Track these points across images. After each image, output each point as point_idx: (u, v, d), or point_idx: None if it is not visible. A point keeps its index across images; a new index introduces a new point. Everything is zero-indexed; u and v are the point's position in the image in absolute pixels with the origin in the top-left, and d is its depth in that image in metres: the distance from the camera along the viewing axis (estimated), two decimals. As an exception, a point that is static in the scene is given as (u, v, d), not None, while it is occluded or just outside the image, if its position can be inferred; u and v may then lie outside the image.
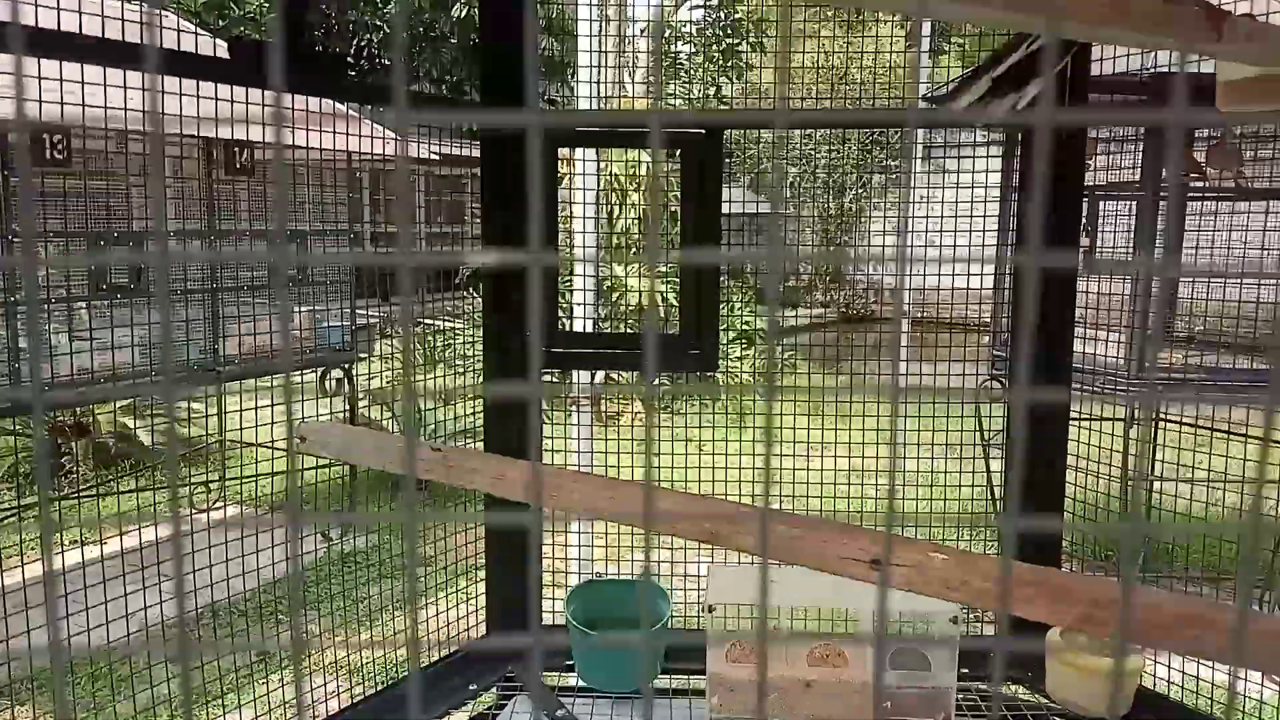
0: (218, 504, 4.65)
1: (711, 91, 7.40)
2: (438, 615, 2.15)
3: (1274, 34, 1.02)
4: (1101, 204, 3.80)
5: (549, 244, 1.91)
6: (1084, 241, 3.99)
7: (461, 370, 3.20)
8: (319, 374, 4.34)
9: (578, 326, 3.07)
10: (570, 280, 3.80)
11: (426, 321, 7.07)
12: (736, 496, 3.38)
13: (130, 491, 4.30)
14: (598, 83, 4.29)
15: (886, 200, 9.76)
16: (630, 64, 8.17)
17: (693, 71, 7.59)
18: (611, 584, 2.01)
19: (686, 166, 1.67)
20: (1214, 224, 3.72)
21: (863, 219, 10.08)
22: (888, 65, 7.31)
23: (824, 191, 9.70)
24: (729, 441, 3.47)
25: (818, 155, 8.30)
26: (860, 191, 9.89)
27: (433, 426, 4.74)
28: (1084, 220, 3.99)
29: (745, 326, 7.58)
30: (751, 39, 7.38)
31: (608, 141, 2.00)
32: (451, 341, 6.27)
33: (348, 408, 4.73)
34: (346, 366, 4.85)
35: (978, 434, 3.75)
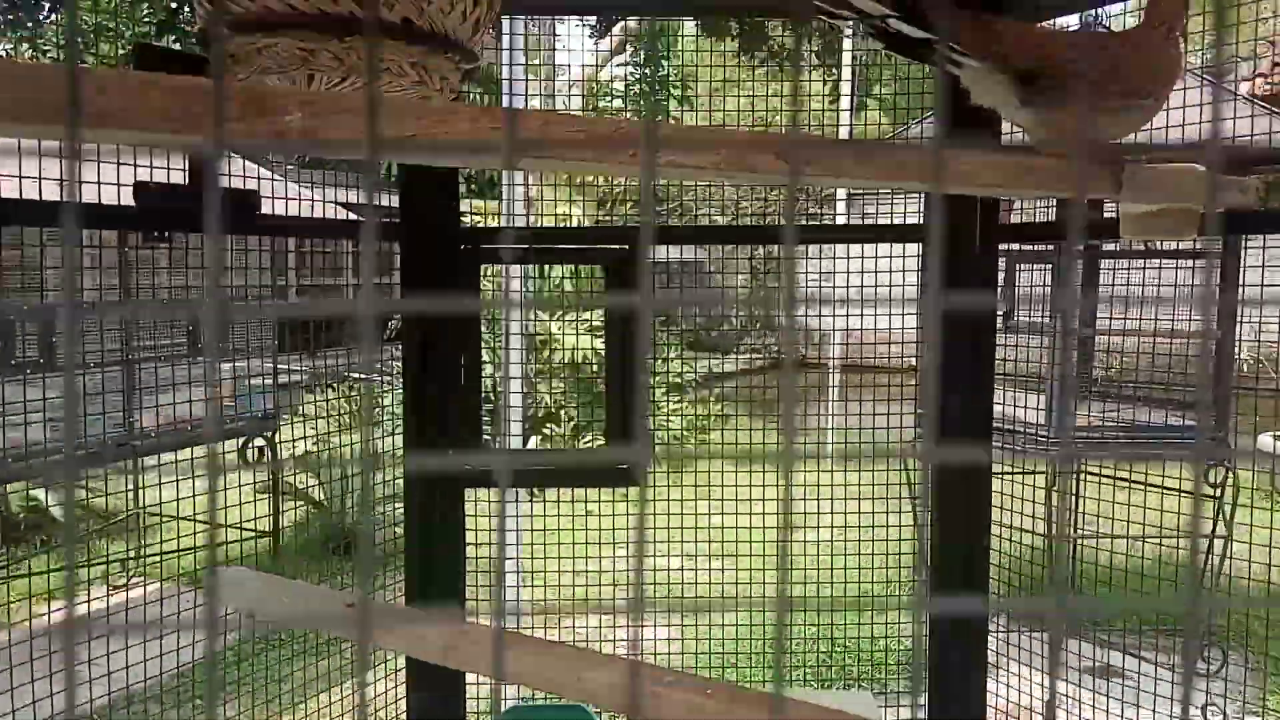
0: (135, 579, 4.48)
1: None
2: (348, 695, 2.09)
3: (1168, 177, 1.06)
4: (1018, 267, 3.92)
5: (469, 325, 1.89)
6: (1001, 304, 4.10)
7: (388, 431, 3.14)
8: (240, 444, 4.23)
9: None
10: (498, 344, 3.77)
11: (354, 377, 6.95)
12: (679, 558, 3.38)
13: (41, 572, 4.11)
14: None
15: (811, 248, 9.90)
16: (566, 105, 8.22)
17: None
18: (539, 709, 1.97)
19: (610, 282, 1.68)
20: (1126, 281, 3.86)
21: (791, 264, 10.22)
22: (809, 115, 7.44)
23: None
24: (667, 487, 3.48)
25: (746, 202, 8.39)
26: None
27: (355, 493, 4.65)
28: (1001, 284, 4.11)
29: (676, 377, 7.59)
30: (677, 94, 7.50)
31: (525, 259, 1.99)
32: (379, 400, 6.16)
33: (270, 480, 4.60)
34: (269, 435, 4.72)
35: (904, 487, 3.81)
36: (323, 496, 5.72)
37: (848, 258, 3.20)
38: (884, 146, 0.78)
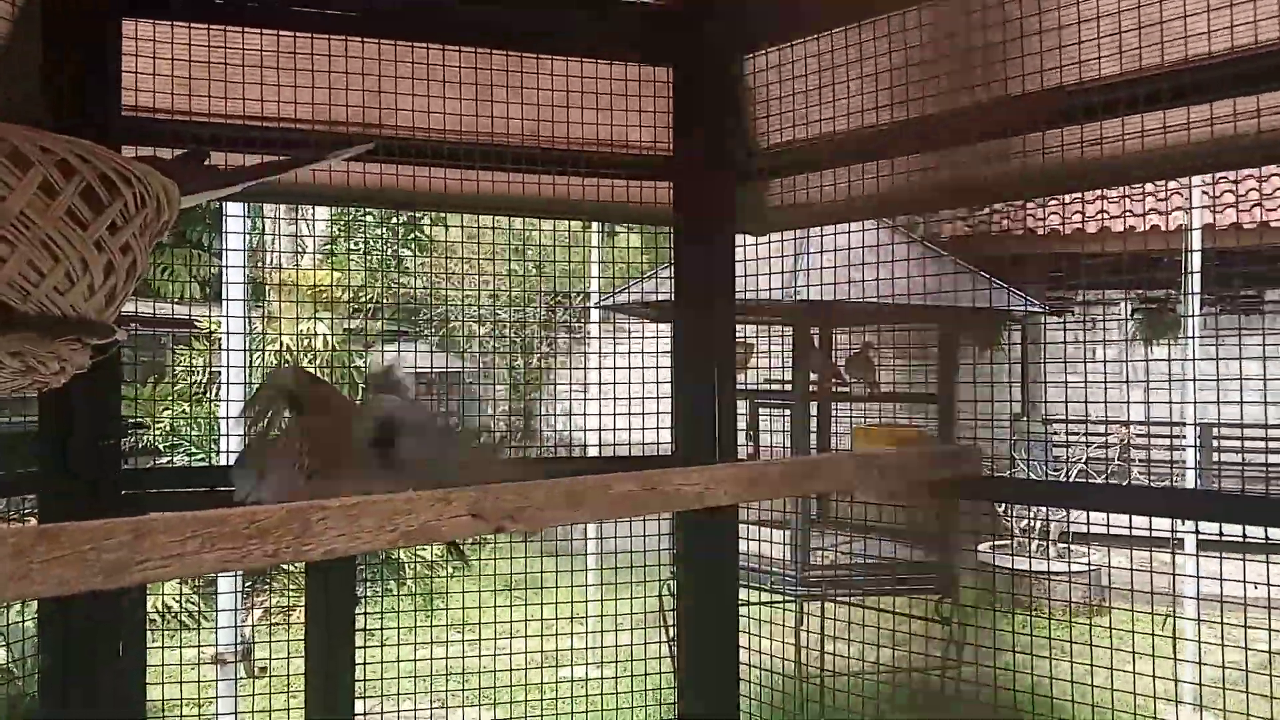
0: None
1: (393, 263, 7.25)
2: None
3: (895, 470, 1.05)
4: (760, 408, 4.04)
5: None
6: (748, 446, 4.21)
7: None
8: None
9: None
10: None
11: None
12: (427, 705, 3.10)
13: None
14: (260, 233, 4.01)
15: (571, 359, 9.97)
16: (309, 227, 7.86)
17: (372, 243, 7.45)
18: None
19: (313, 580, 1.48)
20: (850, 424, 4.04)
21: (551, 375, 10.23)
22: (568, 232, 7.45)
23: (511, 350, 9.74)
24: (416, 626, 3.21)
25: (505, 316, 8.31)
26: (546, 351, 10.03)
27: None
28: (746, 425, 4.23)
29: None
30: (435, 213, 7.39)
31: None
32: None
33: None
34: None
35: (661, 618, 3.75)
36: (7, 660, 4.92)
37: (599, 369, 3.23)
38: (597, 487, 0.69)
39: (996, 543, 6.99)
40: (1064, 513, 6.37)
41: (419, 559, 6.87)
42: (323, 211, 7.41)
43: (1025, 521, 6.97)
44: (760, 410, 4.03)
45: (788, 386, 4.02)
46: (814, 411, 4.17)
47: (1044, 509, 6.75)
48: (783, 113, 2.22)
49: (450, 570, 7.05)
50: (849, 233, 3.14)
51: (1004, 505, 7.00)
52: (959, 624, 3.75)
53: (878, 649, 3.56)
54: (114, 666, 1.61)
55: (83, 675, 1.66)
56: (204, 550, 0.54)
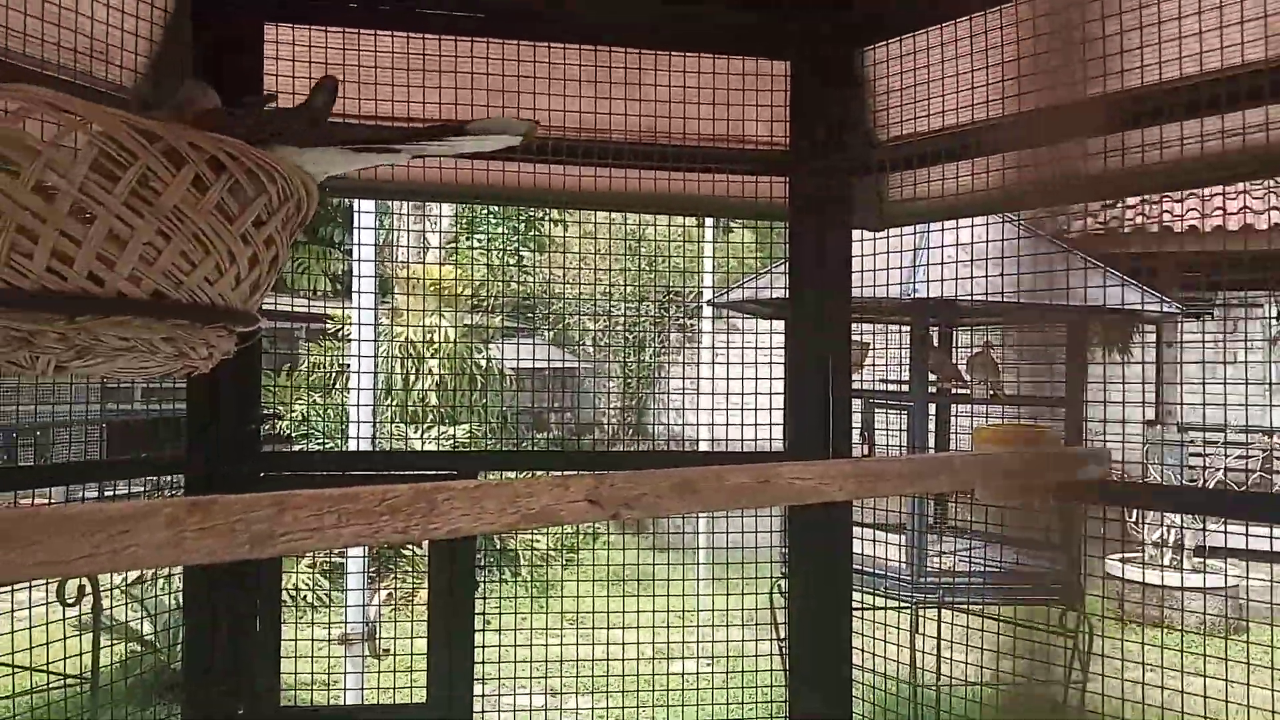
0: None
1: (513, 260, 7.41)
2: None
3: (1022, 472, 1.02)
4: (877, 409, 3.97)
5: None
6: (862, 446, 4.14)
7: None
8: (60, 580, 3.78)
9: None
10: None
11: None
12: (542, 695, 3.17)
13: None
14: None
15: (685, 355, 9.97)
16: (434, 224, 8.09)
17: (493, 240, 7.64)
18: None
19: (436, 561, 1.54)
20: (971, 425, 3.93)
21: (664, 372, 10.26)
22: (682, 229, 7.46)
23: (624, 346, 9.84)
24: (532, 614, 3.29)
25: (619, 313, 8.39)
26: (660, 347, 10.08)
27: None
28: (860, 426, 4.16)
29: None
30: (555, 213, 7.52)
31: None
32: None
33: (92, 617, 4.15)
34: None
35: (772, 618, 3.73)
36: (151, 632, 5.24)
37: (713, 365, 3.22)
38: (711, 478, 0.70)
39: (1126, 554, 6.67)
40: (1200, 524, 6.03)
41: (533, 550, 7.00)
42: (447, 209, 7.63)
43: (1158, 533, 6.63)
44: (876, 411, 3.96)
45: (905, 387, 3.94)
46: (932, 412, 4.07)
47: (1178, 519, 6.40)
48: (903, 105, 2.17)
49: (564, 562, 7.16)
50: (971, 227, 3.05)
51: (1135, 515, 6.68)
52: (1085, 635, 3.61)
53: (997, 658, 3.45)
54: (251, 641, 1.70)
55: (223, 649, 1.76)
56: (340, 525, 0.57)
